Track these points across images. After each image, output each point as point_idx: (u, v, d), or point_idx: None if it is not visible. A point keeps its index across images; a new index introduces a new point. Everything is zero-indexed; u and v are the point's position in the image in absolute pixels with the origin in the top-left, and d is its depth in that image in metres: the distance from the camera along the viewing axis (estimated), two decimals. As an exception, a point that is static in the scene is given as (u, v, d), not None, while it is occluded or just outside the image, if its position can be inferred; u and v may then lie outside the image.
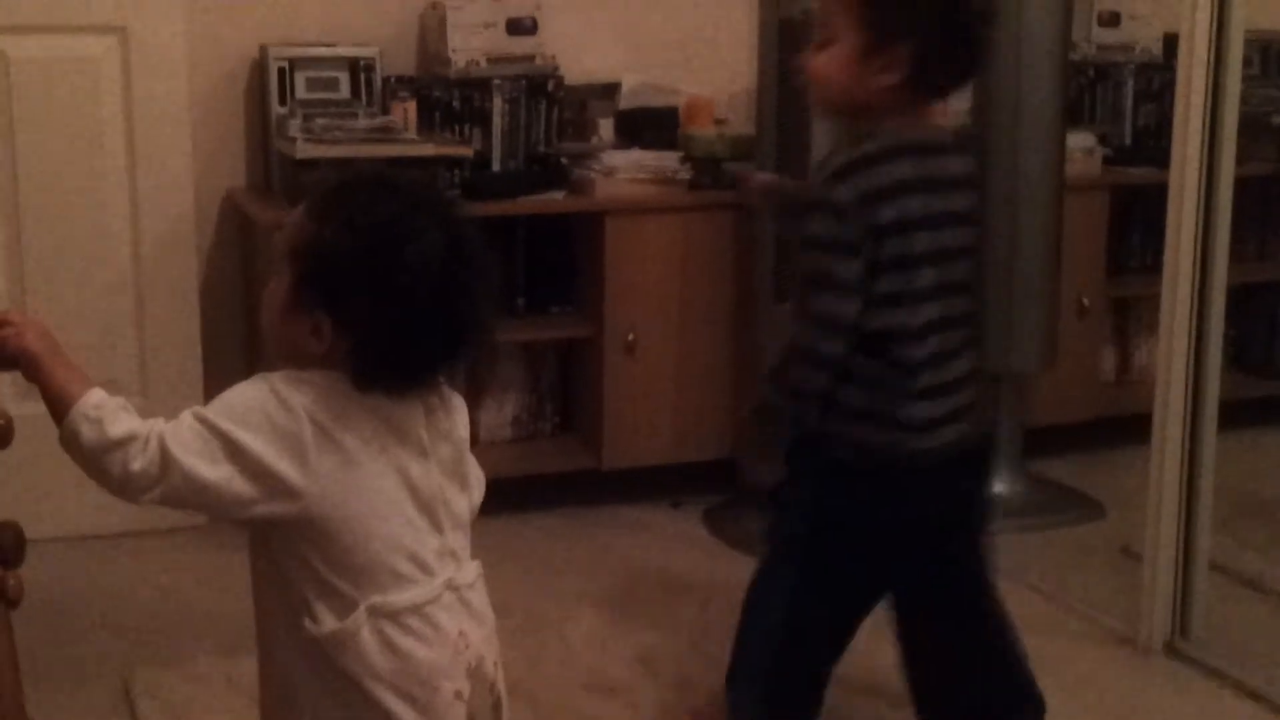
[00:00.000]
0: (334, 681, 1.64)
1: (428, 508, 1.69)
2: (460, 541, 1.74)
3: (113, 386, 3.47)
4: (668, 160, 3.86)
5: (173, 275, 3.64)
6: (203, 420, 1.59)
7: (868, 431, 2.21)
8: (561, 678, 2.91)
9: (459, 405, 1.76)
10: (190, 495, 1.59)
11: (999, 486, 3.87)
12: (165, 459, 1.57)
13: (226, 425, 1.58)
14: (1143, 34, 4.46)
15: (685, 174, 3.87)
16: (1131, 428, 3.46)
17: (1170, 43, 4.38)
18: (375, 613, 1.63)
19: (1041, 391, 4.05)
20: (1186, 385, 3.02)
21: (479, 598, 1.74)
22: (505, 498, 3.72)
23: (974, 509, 2.43)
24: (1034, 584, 3.41)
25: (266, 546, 1.67)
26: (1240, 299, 4.11)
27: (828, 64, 2.18)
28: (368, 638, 1.63)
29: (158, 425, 1.59)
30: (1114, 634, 3.16)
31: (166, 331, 3.62)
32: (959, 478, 2.32)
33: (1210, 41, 2.92)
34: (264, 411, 1.59)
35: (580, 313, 3.90)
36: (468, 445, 1.78)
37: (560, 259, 3.93)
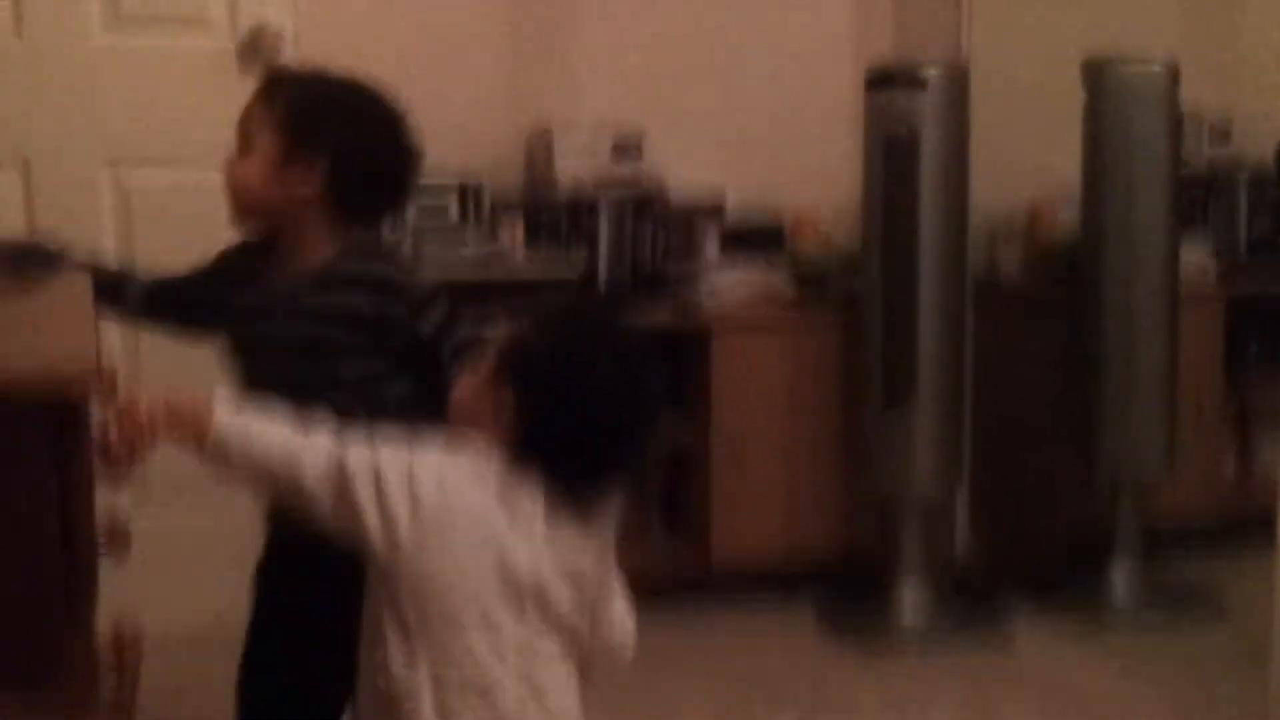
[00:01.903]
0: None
1: (516, 595, 1.71)
2: (547, 644, 1.75)
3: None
4: (773, 276, 3.88)
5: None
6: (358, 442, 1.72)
7: None
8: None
9: (592, 538, 1.78)
10: (338, 482, 1.69)
11: (1119, 588, 3.82)
12: (331, 444, 1.71)
13: (375, 456, 1.70)
14: (1255, 147, 4.43)
15: (791, 290, 3.88)
16: (1255, 530, 3.39)
17: (1283, 155, 4.36)
18: (437, 679, 1.68)
19: (1162, 493, 3.97)
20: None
21: (556, 684, 1.75)
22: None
23: None
24: (1157, 688, 3.33)
25: (372, 595, 1.74)
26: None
27: (240, 174, 2.21)
28: (427, 698, 1.68)
29: (317, 439, 1.74)
30: (1240, 740, 3.07)
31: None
32: None
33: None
34: (405, 458, 1.70)
35: (687, 420, 3.89)
36: (607, 569, 1.82)
37: (667, 370, 3.93)
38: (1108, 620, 3.76)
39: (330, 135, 2.15)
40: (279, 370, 2.17)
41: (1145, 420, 3.79)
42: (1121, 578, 3.84)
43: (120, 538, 1.93)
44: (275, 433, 1.73)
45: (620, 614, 1.86)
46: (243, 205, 2.23)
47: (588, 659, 1.82)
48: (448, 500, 1.69)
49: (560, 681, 1.76)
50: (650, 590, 3.75)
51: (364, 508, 1.68)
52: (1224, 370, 4.18)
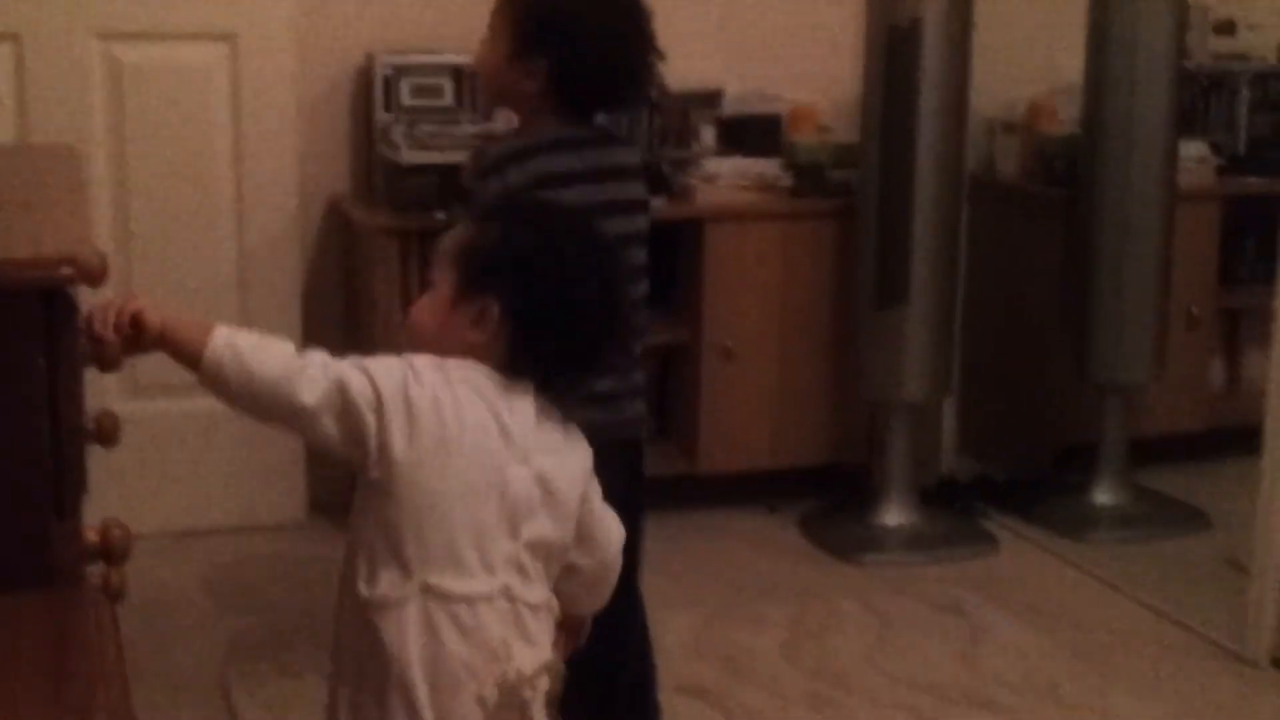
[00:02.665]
0: (365, 641, 1.69)
1: (510, 511, 1.71)
2: (538, 563, 1.75)
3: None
4: (770, 168, 3.85)
5: (276, 277, 3.69)
6: (358, 364, 1.70)
7: None
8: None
9: (581, 442, 1.80)
10: (337, 400, 1.67)
11: (1105, 498, 3.83)
12: (326, 363, 1.69)
13: (377, 372, 1.68)
14: (1258, 43, 4.38)
15: (787, 181, 3.86)
16: (1239, 440, 3.40)
17: (1288, 51, 4.32)
18: (428, 591, 1.67)
19: (1149, 401, 3.98)
20: (1297, 395, 2.96)
21: (538, 625, 1.74)
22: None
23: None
24: (1140, 596, 3.37)
25: (360, 510, 1.73)
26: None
27: (483, 59, 2.39)
28: (412, 613, 1.67)
29: (313, 355, 1.71)
30: (1220, 648, 3.10)
31: (269, 332, 3.66)
32: (634, 453, 2.50)
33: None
34: (403, 379, 1.68)
35: (679, 319, 3.89)
36: (587, 485, 1.80)
37: (659, 265, 3.91)
38: (1092, 527, 3.77)
39: (554, 39, 2.29)
40: None
41: (1136, 324, 3.78)
42: (1106, 486, 3.86)
43: (109, 426, 1.91)
44: (273, 353, 1.71)
45: (607, 531, 1.85)
46: (485, 87, 2.52)
47: (578, 574, 1.82)
48: (444, 420, 1.68)
49: (541, 604, 1.75)
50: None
51: (365, 428, 1.66)
52: (1218, 271, 4.16)
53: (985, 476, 4.00)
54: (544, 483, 1.74)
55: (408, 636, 1.67)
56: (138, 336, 1.72)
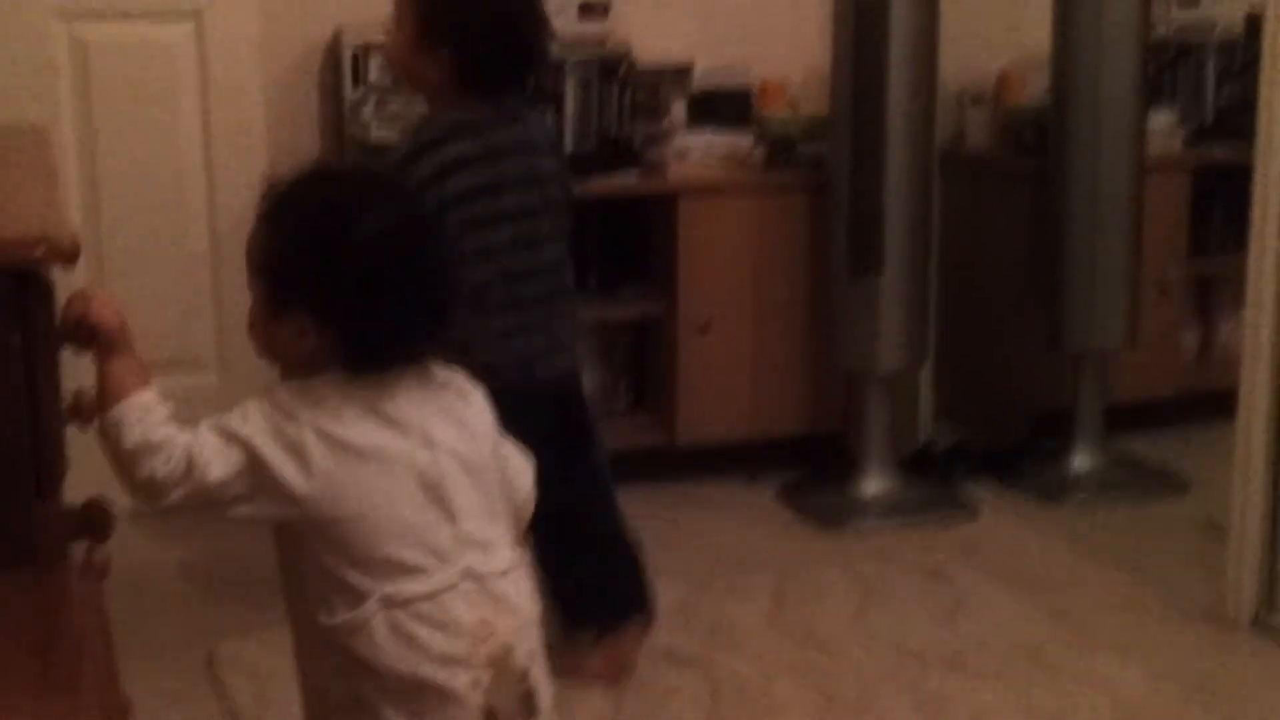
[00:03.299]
0: (347, 666, 1.66)
1: (436, 496, 1.69)
2: (487, 529, 1.72)
3: (191, 364, 3.56)
4: (741, 142, 3.84)
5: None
6: (219, 429, 1.65)
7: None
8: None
9: (474, 394, 1.77)
10: (204, 498, 1.65)
11: (1081, 463, 3.85)
12: (189, 464, 1.63)
13: (243, 430, 1.64)
14: (1223, 12, 4.39)
15: (759, 155, 3.85)
16: (1212, 404, 3.42)
17: (1252, 21, 4.32)
18: (387, 603, 1.64)
19: (1123, 368, 4.00)
20: (1273, 355, 2.97)
21: (512, 587, 1.72)
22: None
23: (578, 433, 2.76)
24: (1118, 559, 3.38)
25: (281, 544, 1.71)
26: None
27: (390, 47, 2.60)
28: (379, 626, 1.64)
29: (183, 436, 1.64)
30: (1200, 609, 3.12)
31: (243, 309, 3.63)
32: (561, 403, 2.68)
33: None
34: (271, 421, 1.65)
35: (653, 292, 3.89)
36: (495, 433, 1.78)
37: (633, 240, 3.93)
38: (1068, 494, 3.79)
39: (454, 29, 2.48)
40: None
41: (1108, 291, 3.80)
42: (1083, 452, 3.88)
43: (87, 406, 1.90)
44: (168, 438, 1.64)
45: (518, 462, 1.82)
46: (396, 74, 2.71)
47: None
48: (335, 444, 1.64)
49: (509, 567, 1.73)
50: (616, 466, 3.80)
51: (267, 470, 1.63)
52: (1188, 240, 4.17)
53: (963, 444, 4.01)
54: (456, 455, 1.70)
55: (384, 649, 1.64)
56: (89, 341, 1.70)
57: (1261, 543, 3.02)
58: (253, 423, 1.64)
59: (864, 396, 3.75)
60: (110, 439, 1.66)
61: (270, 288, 1.69)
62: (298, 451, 1.63)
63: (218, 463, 1.63)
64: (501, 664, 1.68)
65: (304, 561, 1.67)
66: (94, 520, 1.90)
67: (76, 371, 2.10)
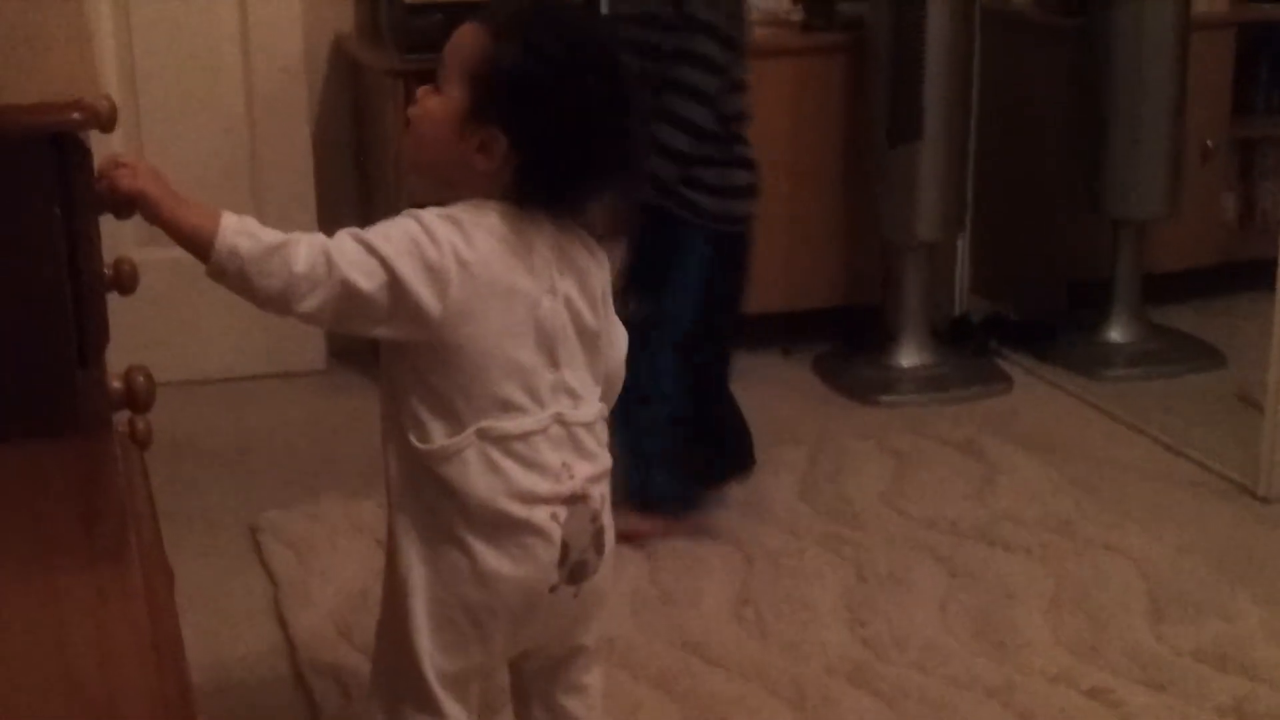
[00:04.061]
0: (433, 494, 1.72)
1: (548, 343, 1.74)
2: (581, 381, 1.78)
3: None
4: (779, 2, 3.78)
5: (284, 118, 3.65)
6: (361, 240, 1.66)
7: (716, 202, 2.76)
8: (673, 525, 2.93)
9: (602, 258, 1.82)
10: (343, 304, 1.65)
11: (1117, 334, 3.84)
12: (330, 263, 1.64)
13: (384, 249, 1.65)
14: None
15: (797, 16, 3.79)
16: (1254, 274, 3.39)
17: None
18: (483, 435, 1.71)
19: (1162, 237, 3.96)
20: (1317, 228, 2.94)
21: (593, 438, 1.80)
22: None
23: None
24: (1152, 432, 3.38)
25: (394, 364, 1.74)
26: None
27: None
28: (472, 456, 1.71)
29: (318, 237, 1.66)
30: (1232, 483, 3.12)
31: (279, 173, 3.65)
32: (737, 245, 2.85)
33: None
34: (414, 241, 1.66)
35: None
36: (609, 299, 1.83)
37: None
38: (1105, 366, 3.78)
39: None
40: None
41: (1150, 156, 3.75)
42: (1120, 323, 3.86)
43: (128, 273, 1.91)
44: (288, 236, 1.65)
45: (619, 338, 1.89)
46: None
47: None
48: (470, 274, 1.67)
49: (594, 419, 1.80)
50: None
51: (405, 291, 1.64)
52: (1232, 101, 4.10)
53: (999, 315, 4.00)
54: (571, 306, 1.76)
55: (471, 478, 1.71)
56: (129, 209, 1.70)
57: (1296, 418, 3.02)
58: (395, 242, 1.66)
59: (901, 266, 3.73)
60: (231, 269, 1.65)
61: (475, 94, 1.69)
62: (437, 275, 1.65)
63: (359, 272, 1.64)
64: (578, 503, 1.76)
65: (414, 383, 1.72)
66: (136, 390, 1.91)
67: (121, 239, 2.11)
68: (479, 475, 1.71)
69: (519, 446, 1.72)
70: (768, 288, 3.77)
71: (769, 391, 3.63)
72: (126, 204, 1.70)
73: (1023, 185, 4.12)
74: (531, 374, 1.73)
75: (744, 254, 2.86)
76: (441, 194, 1.75)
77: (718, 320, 2.84)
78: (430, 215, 1.69)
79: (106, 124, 1.82)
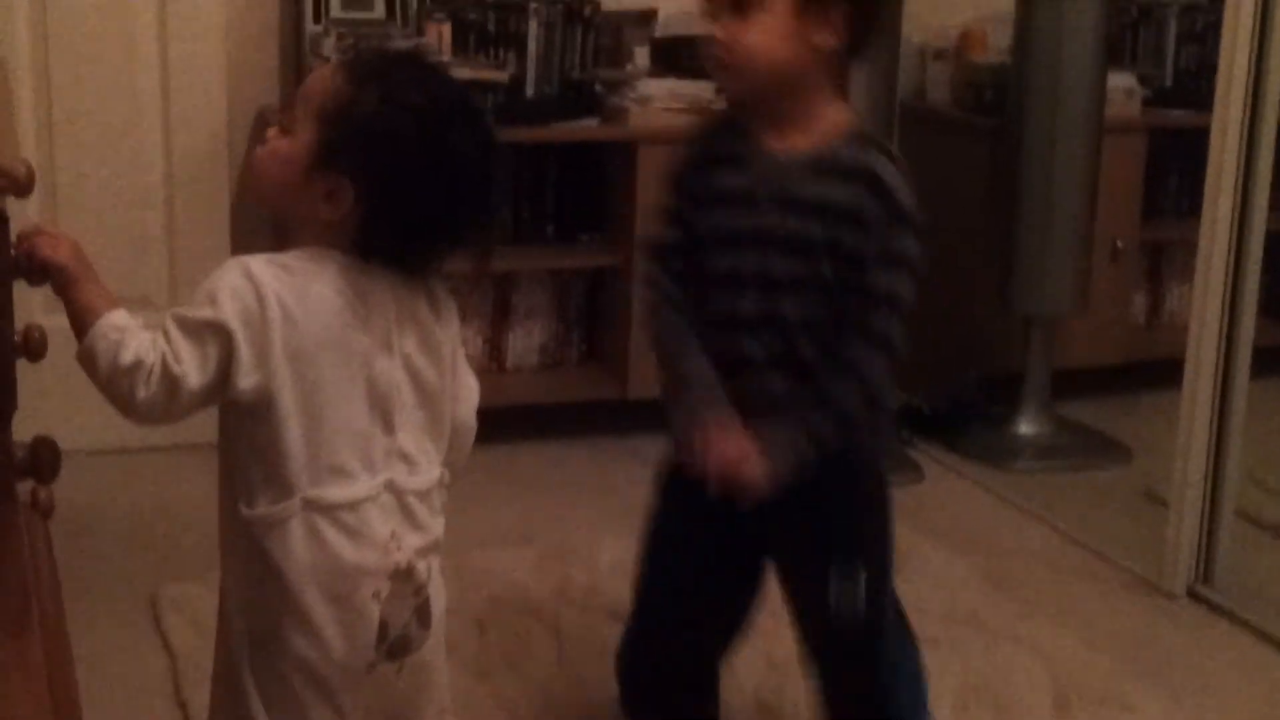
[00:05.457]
0: (255, 563, 1.65)
1: (383, 404, 1.68)
2: (419, 445, 1.72)
3: (143, 302, 3.53)
4: (703, 90, 3.83)
5: (204, 191, 3.64)
6: (191, 329, 1.59)
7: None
8: (586, 605, 2.92)
9: (449, 312, 1.75)
10: (190, 409, 1.62)
11: (1027, 427, 3.89)
12: (170, 385, 1.59)
13: (215, 319, 1.59)
14: (1187, -28, 4.41)
15: (719, 104, 3.84)
16: (1161, 373, 3.46)
17: (1216, -16, 4.34)
18: (309, 506, 1.64)
19: (1072, 334, 4.03)
20: (1220, 330, 3.00)
21: (426, 508, 1.73)
22: (531, 424, 3.76)
23: None
24: (1061, 525, 3.42)
25: (226, 422, 1.68)
26: (1277, 246, 4.08)
27: (755, 36, 1.93)
28: (296, 528, 1.63)
29: (155, 351, 1.59)
30: (1138, 578, 3.16)
31: (197, 247, 3.62)
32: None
33: (1259, -16, 2.88)
34: (235, 294, 1.59)
35: (610, 241, 3.88)
36: (459, 354, 1.77)
37: (591, 186, 3.92)
38: (1015, 456, 3.83)
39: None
40: (757, 265, 2.00)
41: (1061, 255, 3.82)
42: (1030, 417, 3.91)
43: (36, 340, 1.88)
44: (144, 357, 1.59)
45: (469, 383, 1.81)
46: (753, 74, 1.95)
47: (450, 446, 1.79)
48: (298, 330, 1.61)
49: (430, 487, 1.73)
50: (568, 418, 3.82)
51: (233, 356, 1.59)
52: (1142, 204, 4.19)
53: (910, 405, 4.03)
54: (410, 365, 1.70)
55: (295, 551, 1.63)
56: (43, 277, 1.68)
57: (1199, 515, 3.07)
58: (221, 306, 1.59)
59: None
60: (87, 368, 1.62)
61: (325, 140, 1.63)
62: (258, 329, 1.59)
63: (194, 373, 1.58)
64: (402, 577, 1.69)
65: (242, 444, 1.65)
66: (41, 459, 1.89)
67: (29, 306, 2.09)
68: (302, 549, 1.63)
69: (347, 516, 1.65)
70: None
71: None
72: (41, 272, 1.68)
73: (936, 278, 4.15)
74: (364, 437, 1.66)
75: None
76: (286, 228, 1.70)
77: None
78: (260, 266, 1.62)
79: (23, 189, 1.81)
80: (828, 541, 2.09)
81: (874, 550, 2.11)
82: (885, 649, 2.14)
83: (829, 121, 1.98)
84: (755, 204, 1.99)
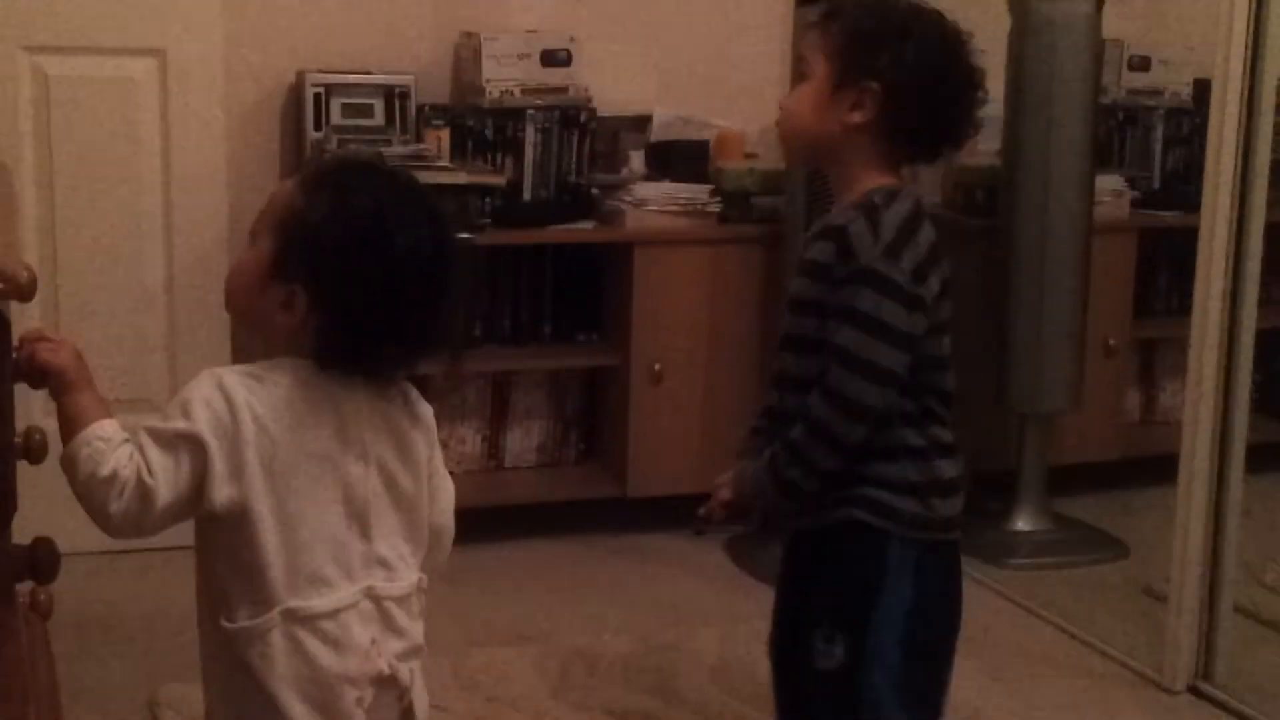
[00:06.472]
0: (237, 676, 1.65)
1: (358, 512, 1.68)
2: (396, 550, 1.72)
3: (143, 405, 3.55)
4: (698, 193, 3.88)
5: (205, 295, 3.66)
6: (155, 435, 1.61)
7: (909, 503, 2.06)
8: (584, 705, 2.91)
9: (425, 416, 1.76)
10: (162, 526, 1.62)
11: (1024, 524, 3.89)
12: (142, 499, 1.60)
13: (179, 425, 1.60)
14: (1172, 79, 4.48)
15: (715, 207, 3.89)
16: (1156, 468, 3.47)
17: (1201, 87, 4.40)
18: (289, 617, 1.63)
19: (1067, 430, 4.05)
20: (1214, 427, 3.02)
21: (405, 613, 1.72)
22: (529, 523, 3.76)
23: None
24: (1058, 623, 3.41)
25: (203, 534, 1.68)
26: (1268, 343, 4.11)
27: (795, 100, 2.07)
28: (277, 639, 1.63)
29: (130, 465, 1.60)
30: (1137, 674, 3.15)
31: (197, 351, 3.65)
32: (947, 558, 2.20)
33: (1242, 87, 2.93)
34: (208, 405, 1.61)
35: (607, 341, 3.92)
36: (433, 458, 1.77)
37: (588, 288, 3.96)
38: (1011, 553, 3.81)
39: (885, 58, 1.99)
40: (784, 326, 2.11)
41: (1054, 353, 3.84)
42: (1025, 513, 3.91)
43: (38, 442, 1.90)
44: (121, 472, 1.60)
45: (446, 486, 1.81)
46: (793, 135, 2.11)
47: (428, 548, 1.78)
48: (271, 442, 1.62)
49: (409, 593, 1.73)
50: (566, 517, 3.82)
51: (211, 480, 1.60)
52: (1134, 303, 4.23)
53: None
54: (385, 471, 1.70)
55: (277, 662, 1.63)
56: (42, 381, 1.69)
57: (1198, 611, 3.07)
58: (194, 417, 1.60)
59: (812, 451, 3.77)
60: (68, 473, 1.63)
61: (279, 249, 1.64)
62: (234, 446, 1.60)
63: (167, 485, 1.59)
64: (385, 683, 1.69)
65: (219, 557, 1.65)
66: (41, 561, 1.90)
67: (29, 408, 2.10)
68: (284, 660, 1.63)
69: (327, 625, 1.64)
70: (682, 469, 3.82)
71: (682, 572, 3.65)
72: (40, 375, 1.70)
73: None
74: (341, 545, 1.66)
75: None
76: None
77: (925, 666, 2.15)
78: (232, 378, 1.63)
79: (25, 294, 1.83)
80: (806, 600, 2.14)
81: (852, 617, 2.08)
82: None
83: (861, 191, 2.02)
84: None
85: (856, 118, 2.01)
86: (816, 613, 2.10)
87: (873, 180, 2.02)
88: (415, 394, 1.75)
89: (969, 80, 2.05)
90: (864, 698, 2.06)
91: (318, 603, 1.64)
